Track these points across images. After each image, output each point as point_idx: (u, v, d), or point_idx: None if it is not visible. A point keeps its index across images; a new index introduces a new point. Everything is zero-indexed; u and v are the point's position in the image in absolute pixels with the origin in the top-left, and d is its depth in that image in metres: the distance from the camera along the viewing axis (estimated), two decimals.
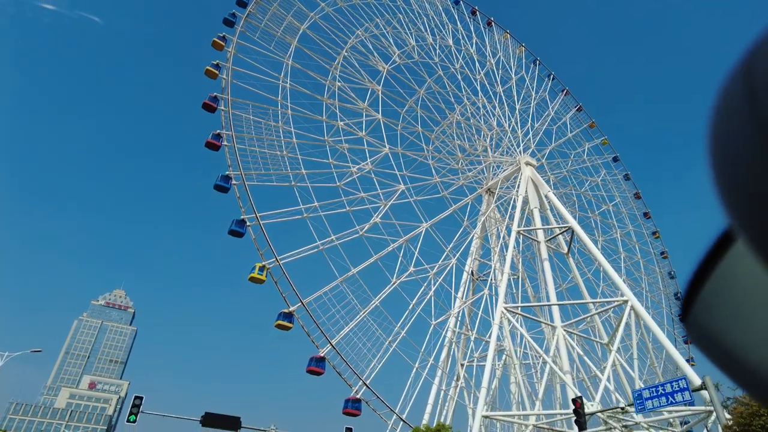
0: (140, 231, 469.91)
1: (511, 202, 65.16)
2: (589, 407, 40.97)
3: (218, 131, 43.74)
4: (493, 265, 64.22)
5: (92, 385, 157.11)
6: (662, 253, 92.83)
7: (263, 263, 39.96)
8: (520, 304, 52.57)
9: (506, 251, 62.77)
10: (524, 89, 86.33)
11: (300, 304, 39.67)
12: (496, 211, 68.75)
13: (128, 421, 24.23)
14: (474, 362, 50.38)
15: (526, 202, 63.54)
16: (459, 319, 54.33)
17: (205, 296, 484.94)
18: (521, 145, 72.23)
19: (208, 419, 24.51)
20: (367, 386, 38.93)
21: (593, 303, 52.77)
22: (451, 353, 52.65)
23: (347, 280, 45.74)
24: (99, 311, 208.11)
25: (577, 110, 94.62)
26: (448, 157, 68.25)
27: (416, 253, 49.86)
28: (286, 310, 39.11)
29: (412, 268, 49.33)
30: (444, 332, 51.69)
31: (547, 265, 57.45)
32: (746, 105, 0.67)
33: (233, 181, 42.79)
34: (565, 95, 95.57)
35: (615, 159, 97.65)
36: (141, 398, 24.98)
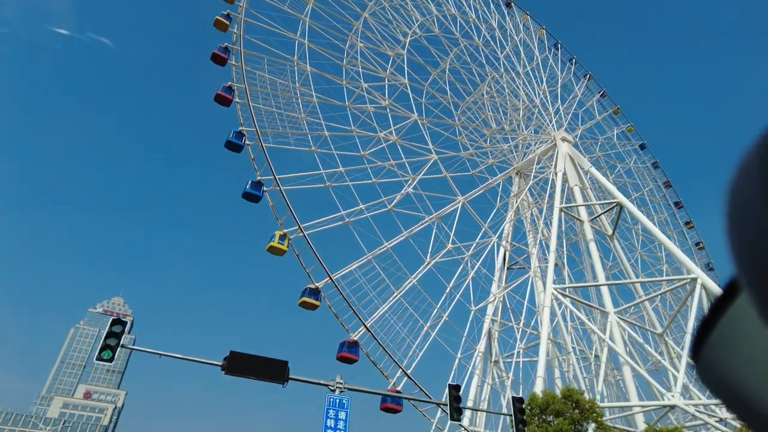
0: (140, 237, 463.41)
1: (548, 182, 59.52)
2: (670, 398, 34.83)
3: (229, 83, 37.97)
4: (529, 250, 58.25)
5: (88, 395, 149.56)
6: (698, 244, 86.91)
7: (284, 231, 33.92)
8: (569, 285, 46.36)
9: (544, 232, 57.05)
10: (548, 70, 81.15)
11: (328, 279, 33.58)
12: (528, 194, 62.95)
13: (99, 358, 14.14)
14: (520, 354, 43.95)
15: (564, 180, 57.82)
16: (498, 306, 48.06)
17: (209, 303, 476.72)
18: (553, 121, 66.72)
19: (235, 363, 14.88)
20: (408, 377, 32.76)
21: (659, 281, 46.50)
22: (493, 344, 46.38)
23: (377, 257, 39.71)
24: (96, 319, 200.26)
25: (600, 96, 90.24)
26: (476, 135, 62.65)
27: (453, 228, 43.82)
28: (311, 286, 33.02)
29: (450, 245, 43.28)
30: (487, 321, 45.52)
31: (593, 245, 51.53)
32: (762, 182, 0.74)
33: (246, 141, 36.91)
34: (588, 80, 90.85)
35: (642, 146, 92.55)
36: (123, 324, 14.87)
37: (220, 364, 14.70)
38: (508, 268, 56.77)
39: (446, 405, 16.26)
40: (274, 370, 15.01)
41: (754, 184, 0.74)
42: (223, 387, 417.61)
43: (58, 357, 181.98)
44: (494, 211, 55.82)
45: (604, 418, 35.27)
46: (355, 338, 32.37)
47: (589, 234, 52.51)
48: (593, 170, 56.73)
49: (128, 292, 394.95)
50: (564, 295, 43.35)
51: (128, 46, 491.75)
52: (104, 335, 13.80)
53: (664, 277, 51.33)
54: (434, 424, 34.19)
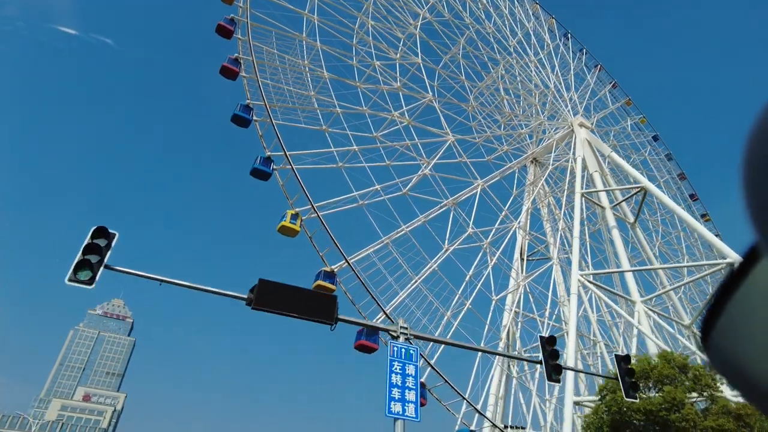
0: (141, 238, 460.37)
1: (565, 170, 57.27)
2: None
3: (236, 55, 35.59)
4: (547, 240, 55.87)
5: (87, 398, 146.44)
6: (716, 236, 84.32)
7: (296, 210, 31.46)
8: (594, 272, 43.89)
9: (563, 221, 54.79)
10: (559, 59, 79.10)
11: (344, 262, 31.08)
12: (544, 183, 60.66)
13: (74, 278, 9.66)
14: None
15: (583, 167, 55.51)
16: (519, 296, 45.54)
17: (210, 306, 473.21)
18: (568, 107, 64.53)
19: (267, 294, 10.95)
20: (432, 368, 30.21)
21: (692, 266, 44.04)
22: (515, 336, 43.87)
23: (393, 242, 37.25)
24: (96, 321, 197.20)
25: (612, 86, 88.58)
26: (490, 120, 60.39)
27: (473, 211, 41.39)
28: (326, 269, 30.53)
29: (471, 229, 40.83)
30: (507, 312, 43.02)
31: (615, 232, 49.02)
32: None
33: (254, 116, 34.49)
34: (599, 71, 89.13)
35: (655, 138, 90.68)
36: (108, 236, 10.28)
37: (246, 296, 10.97)
38: (528, 258, 54.36)
39: (541, 364, 13.45)
40: (319, 306, 11.09)
41: None
42: (227, 390, 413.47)
43: (57, 359, 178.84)
44: (511, 198, 53.46)
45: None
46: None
47: (612, 220, 50.05)
48: (614, 155, 54.34)
49: (128, 294, 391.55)
50: (590, 282, 40.89)
51: (130, 46, 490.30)
52: (81, 248, 10.25)
53: (699, 262, 48.78)
54: (459, 420, 31.66)
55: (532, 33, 75.48)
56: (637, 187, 49.42)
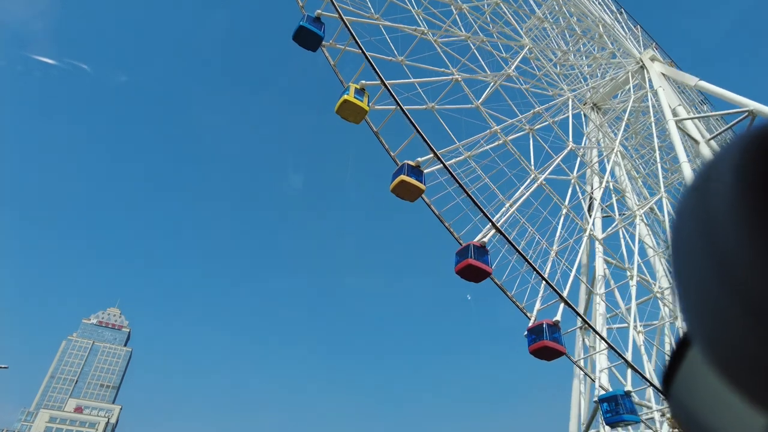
0: (139, 242, 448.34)
1: (634, 115, 48.83)
2: None
3: None
4: (621, 187, 47.07)
5: (78, 410, 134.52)
6: None
7: (362, 85, 22.30)
8: None
9: (637, 169, 46.20)
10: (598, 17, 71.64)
11: (432, 156, 21.84)
12: (609, 129, 52.17)
13: None
14: (664, 300, 32.07)
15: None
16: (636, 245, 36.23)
17: (214, 312, 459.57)
18: (630, 40, 56.62)
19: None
20: (566, 302, 20.75)
21: None
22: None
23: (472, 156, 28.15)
24: (90, 330, 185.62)
25: (653, 49, 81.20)
26: (545, 60, 51.95)
27: (569, 128, 32.31)
28: (412, 163, 21.29)
29: (571, 144, 31.83)
30: (599, 258, 33.75)
31: None
32: (699, 231, 0.65)
33: None
34: (640, 32, 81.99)
35: (702, 102, 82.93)
36: None
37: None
38: (603, 215, 45.46)
39: None
40: None
41: (696, 226, 0.65)
42: (228, 402, 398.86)
43: (48, 371, 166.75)
44: (584, 138, 44.67)
45: None
46: (485, 239, 20.55)
47: (708, 155, 41.48)
48: (703, 83, 45.90)
49: (125, 302, 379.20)
50: None
51: (105, 70, 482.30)
52: None
53: None
54: (597, 380, 22.25)
55: None
56: (743, 112, 40.75)
